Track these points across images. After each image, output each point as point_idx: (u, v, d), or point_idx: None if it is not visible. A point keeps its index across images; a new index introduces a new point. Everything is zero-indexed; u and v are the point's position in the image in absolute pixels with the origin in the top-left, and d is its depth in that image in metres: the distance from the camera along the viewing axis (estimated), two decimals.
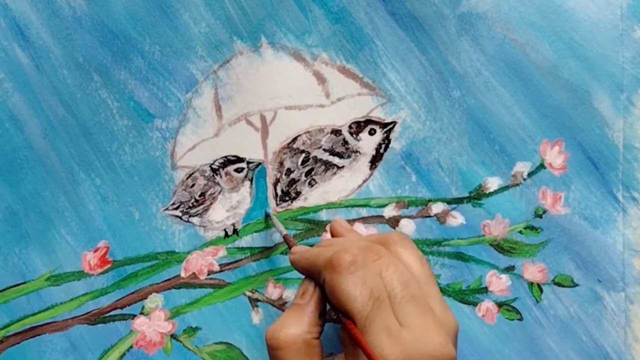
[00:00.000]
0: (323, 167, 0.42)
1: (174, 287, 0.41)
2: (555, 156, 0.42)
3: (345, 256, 0.30)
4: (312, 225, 0.42)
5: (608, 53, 0.42)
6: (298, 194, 0.42)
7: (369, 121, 0.42)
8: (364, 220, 0.42)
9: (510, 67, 0.42)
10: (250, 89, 0.42)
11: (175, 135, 0.42)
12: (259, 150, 0.42)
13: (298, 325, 0.31)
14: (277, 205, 0.42)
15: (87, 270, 0.41)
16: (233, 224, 0.42)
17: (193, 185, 0.42)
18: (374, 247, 0.32)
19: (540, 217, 0.42)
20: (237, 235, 0.42)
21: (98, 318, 0.40)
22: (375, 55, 0.42)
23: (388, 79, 0.42)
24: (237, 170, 0.42)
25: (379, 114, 0.43)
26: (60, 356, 0.40)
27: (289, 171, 0.42)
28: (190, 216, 0.41)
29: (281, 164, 0.42)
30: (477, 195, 0.42)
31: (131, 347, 0.40)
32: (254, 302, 0.41)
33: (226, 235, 0.41)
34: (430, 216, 0.42)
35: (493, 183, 0.42)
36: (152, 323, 0.41)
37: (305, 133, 0.42)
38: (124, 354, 0.40)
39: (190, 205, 0.41)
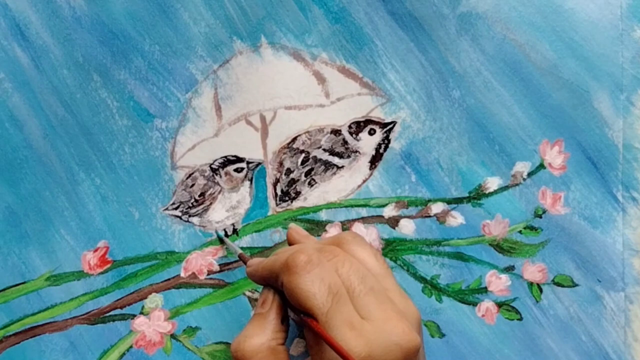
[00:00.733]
0: (323, 167, 0.42)
1: (174, 287, 0.41)
2: (555, 156, 0.42)
3: (300, 257, 0.30)
4: (312, 225, 0.42)
5: (608, 53, 0.42)
6: (298, 194, 0.42)
7: (368, 121, 0.42)
8: (363, 220, 0.42)
9: (510, 67, 0.42)
10: (250, 88, 0.42)
11: (175, 135, 0.42)
12: (258, 150, 0.42)
13: (261, 334, 0.31)
14: (276, 205, 0.42)
15: (86, 270, 0.41)
16: (233, 224, 0.42)
17: (193, 185, 0.42)
18: (328, 248, 0.33)
19: (540, 217, 0.42)
20: (237, 235, 0.42)
21: (98, 318, 0.40)
22: (375, 55, 0.42)
23: (388, 79, 0.42)
24: (237, 170, 0.42)
25: (378, 114, 0.43)
26: (60, 356, 0.40)
27: (289, 171, 0.42)
28: (190, 216, 0.41)
29: (281, 164, 0.42)
30: (477, 195, 0.42)
31: (131, 347, 0.40)
32: (253, 302, 0.41)
33: (226, 235, 0.41)
34: (430, 216, 0.42)
35: (493, 183, 0.42)
36: (152, 323, 0.41)
37: (305, 133, 0.42)
38: (123, 354, 0.40)
39: (190, 205, 0.41)
